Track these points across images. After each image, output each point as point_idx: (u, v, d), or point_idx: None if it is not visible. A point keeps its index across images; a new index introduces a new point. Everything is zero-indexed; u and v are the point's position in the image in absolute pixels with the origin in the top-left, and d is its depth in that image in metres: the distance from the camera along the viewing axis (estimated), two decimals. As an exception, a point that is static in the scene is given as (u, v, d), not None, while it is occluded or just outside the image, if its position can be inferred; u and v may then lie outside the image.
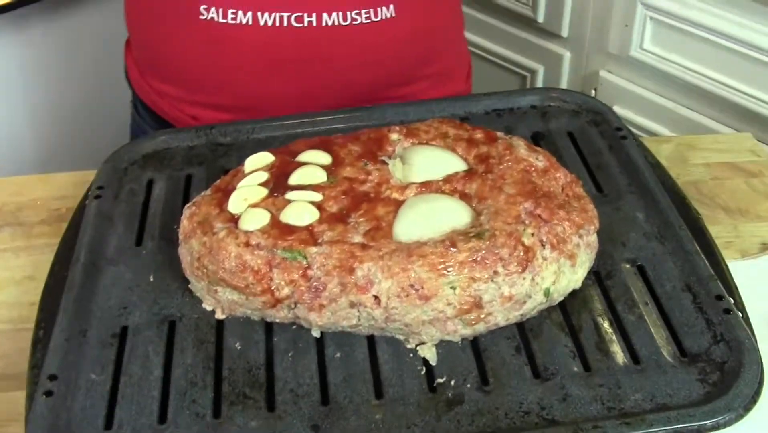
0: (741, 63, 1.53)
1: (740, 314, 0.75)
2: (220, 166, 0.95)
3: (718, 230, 0.94)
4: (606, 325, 0.75)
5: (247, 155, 0.86)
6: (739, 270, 0.87)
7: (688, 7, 1.56)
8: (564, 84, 1.85)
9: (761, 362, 0.71)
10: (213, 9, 1.04)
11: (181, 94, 1.15)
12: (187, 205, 0.82)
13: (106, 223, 0.88)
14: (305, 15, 1.04)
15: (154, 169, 0.96)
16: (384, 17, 1.07)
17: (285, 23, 1.04)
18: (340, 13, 1.05)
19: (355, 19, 1.06)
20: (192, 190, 0.92)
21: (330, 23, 1.05)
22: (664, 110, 1.68)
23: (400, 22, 1.07)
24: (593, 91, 1.79)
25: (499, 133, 0.87)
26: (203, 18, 1.05)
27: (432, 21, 1.14)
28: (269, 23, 1.04)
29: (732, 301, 0.76)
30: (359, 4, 1.06)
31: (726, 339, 0.73)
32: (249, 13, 1.03)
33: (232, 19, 1.04)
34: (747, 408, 0.67)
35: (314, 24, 1.05)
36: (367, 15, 1.06)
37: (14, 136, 1.90)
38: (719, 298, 0.76)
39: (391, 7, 1.07)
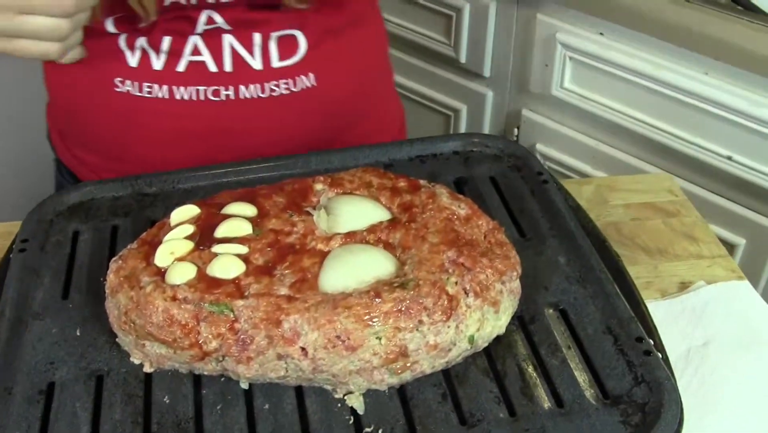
0: (658, 101, 1.58)
1: (660, 355, 0.77)
2: (146, 217, 0.95)
3: (638, 271, 0.96)
4: (530, 369, 0.77)
5: (174, 205, 0.87)
6: (659, 309, 0.90)
7: (605, 48, 1.61)
8: (487, 123, 1.88)
9: (680, 402, 0.73)
10: (128, 82, 1.05)
11: (97, 161, 1.15)
12: (114, 258, 0.82)
13: (31, 276, 0.88)
14: (222, 88, 1.04)
15: (79, 220, 0.95)
16: (304, 87, 1.07)
17: (202, 97, 1.04)
18: (258, 86, 1.06)
19: (274, 91, 1.06)
20: (118, 241, 0.92)
21: (248, 96, 1.06)
22: (585, 148, 1.72)
23: (322, 90, 1.08)
24: (516, 130, 1.82)
25: (422, 182, 0.89)
26: (118, 90, 1.05)
27: (357, 85, 1.14)
28: (185, 97, 1.04)
29: (652, 342, 0.78)
30: (278, 74, 1.06)
31: (646, 380, 0.75)
32: (165, 87, 1.03)
33: (148, 92, 1.05)
34: (667, 448, 0.69)
35: (231, 97, 1.05)
36: (287, 85, 1.06)
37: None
38: (639, 340, 0.78)
39: (311, 75, 1.07)
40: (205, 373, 0.77)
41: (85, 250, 0.91)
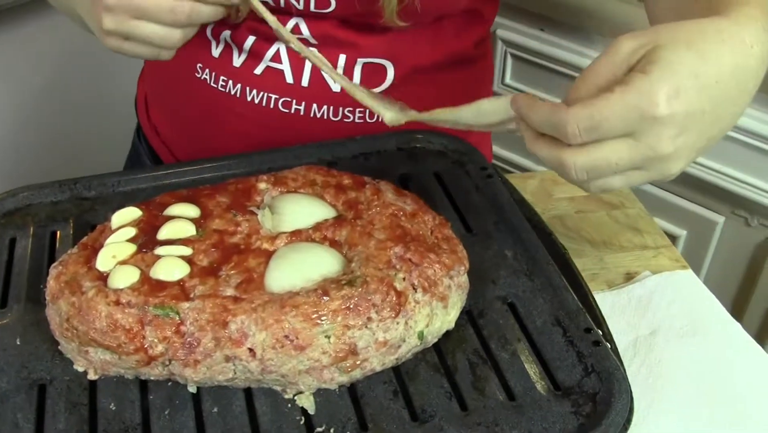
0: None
1: (609, 345, 0.78)
2: (85, 222, 0.93)
3: (584, 263, 0.97)
4: (480, 363, 0.77)
5: (114, 209, 0.85)
6: (606, 301, 0.91)
7: (546, 44, 1.61)
8: (430, 121, 1.88)
9: (630, 391, 0.73)
10: (207, 71, 1.05)
11: (171, 136, 1.17)
12: (54, 264, 0.80)
13: (-33, 286, 0.85)
14: (294, 101, 1.03)
15: (16, 227, 0.93)
16: (381, 119, 1.06)
17: (272, 105, 1.04)
18: (332, 108, 1.05)
19: (347, 117, 1.05)
20: (58, 247, 0.90)
21: (319, 116, 1.05)
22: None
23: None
24: (460, 127, 1.82)
25: (367, 178, 0.88)
26: (198, 76, 1.06)
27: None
28: (256, 101, 1.04)
29: (600, 333, 0.79)
30: (354, 102, 1.05)
31: (596, 370, 0.75)
32: (239, 85, 1.03)
33: (222, 86, 1.05)
34: (620, 436, 0.70)
35: (302, 113, 1.05)
36: (362, 115, 1.06)
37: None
38: (588, 330, 0.78)
39: None
40: (152, 378, 0.75)
41: (23, 257, 0.89)
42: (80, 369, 0.77)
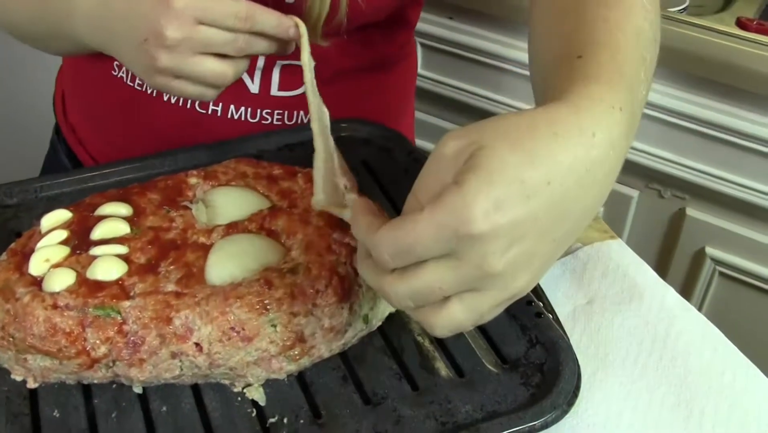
0: (508, 80, 1.61)
1: (551, 316, 0.79)
2: (9, 230, 0.90)
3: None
4: (426, 343, 0.77)
5: (39, 216, 0.82)
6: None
7: (455, 31, 1.63)
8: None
9: (576, 359, 0.74)
10: (123, 68, 1.04)
11: (87, 135, 1.15)
12: (-18, 273, 0.78)
13: None
14: (210, 102, 1.02)
15: (-66, 239, 0.90)
16: (300, 122, 1.05)
17: (188, 105, 1.03)
18: (249, 109, 1.04)
19: (266, 119, 1.04)
20: (-18, 257, 0.88)
21: (236, 117, 1.04)
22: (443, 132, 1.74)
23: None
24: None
25: (298, 168, 0.87)
26: (114, 74, 1.04)
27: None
28: (172, 100, 1.03)
29: (541, 304, 0.80)
30: (274, 103, 1.04)
31: (541, 342, 0.76)
32: None
33: (139, 85, 1.03)
34: (570, 403, 0.71)
35: (218, 114, 1.03)
36: (280, 117, 1.05)
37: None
38: (529, 303, 0.79)
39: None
40: (95, 381, 0.74)
41: (-53, 269, 0.86)
42: (18, 378, 0.74)
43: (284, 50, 0.86)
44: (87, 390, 0.74)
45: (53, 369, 0.73)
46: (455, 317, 0.59)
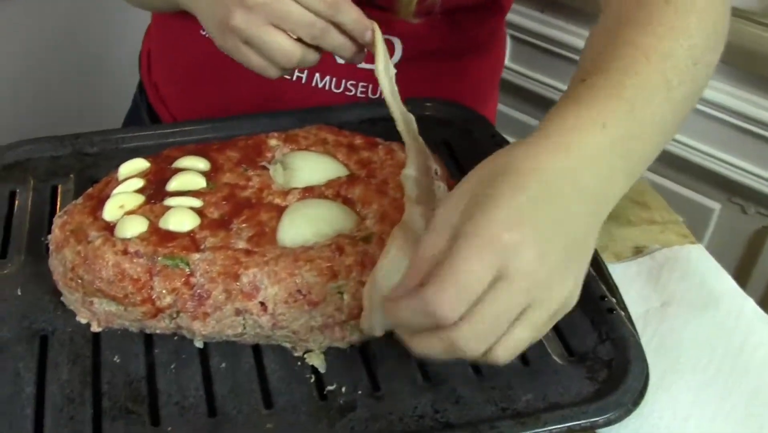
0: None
1: (623, 313, 0.77)
2: (88, 177, 0.90)
3: (592, 235, 0.95)
4: (495, 326, 0.75)
5: (117, 166, 0.83)
6: (616, 272, 0.89)
7: (546, 26, 1.60)
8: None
9: (645, 358, 0.72)
10: None
11: (171, 92, 1.15)
12: (58, 214, 0.78)
13: (-34, 237, 0.83)
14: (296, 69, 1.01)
15: (16, 181, 0.91)
16: (382, 96, 1.04)
17: None
18: (335, 79, 1.03)
19: (349, 90, 1.04)
20: (60, 201, 0.88)
21: (320, 85, 1.03)
22: (530, 128, 1.72)
23: None
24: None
25: (379, 140, 0.86)
26: (203, 34, 1.02)
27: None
28: None
29: (614, 300, 0.77)
30: (359, 75, 1.03)
31: (611, 338, 0.74)
32: None
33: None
34: (636, 403, 0.68)
35: (303, 81, 1.03)
36: (364, 90, 1.04)
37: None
38: (602, 298, 0.77)
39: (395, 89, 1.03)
40: (158, 332, 0.73)
41: (24, 209, 0.87)
42: (83, 321, 0.75)
43: (354, 57, 0.84)
44: (149, 340, 0.74)
45: (118, 315, 0.73)
46: (520, 339, 0.59)
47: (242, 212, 0.75)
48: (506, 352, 0.60)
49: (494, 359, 0.60)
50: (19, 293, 0.77)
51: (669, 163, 1.57)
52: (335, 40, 0.81)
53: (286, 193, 0.78)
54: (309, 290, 0.70)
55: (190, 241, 0.72)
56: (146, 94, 1.19)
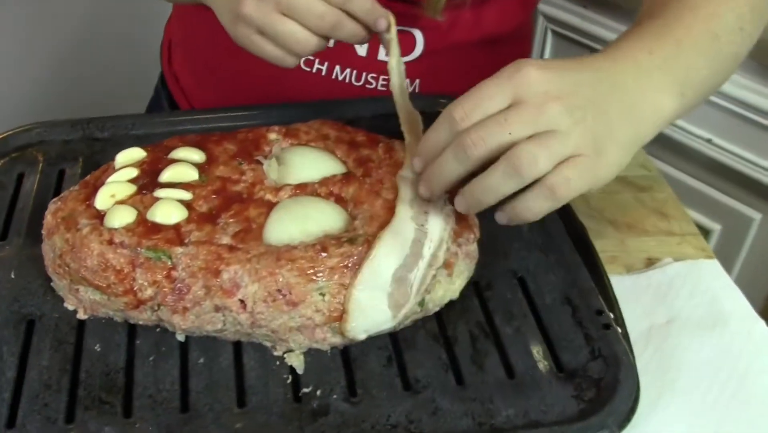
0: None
1: (619, 330, 0.74)
2: (95, 163, 0.90)
3: (604, 244, 0.93)
4: (482, 337, 0.74)
5: (122, 152, 0.83)
6: (623, 284, 0.87)
7: (588, 21, 1.57)
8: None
9: (637, 379, 0.70)
10: None
11: (191, 83, 1.14)
12: (53, 200, 0.78)
13: (-31, 216, 0.84)
14: (316, 60, 1.00)
15: (26, 163, 0.91)
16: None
17: None
18: (355, 72, 1.02)
19: (370, 83, 1.03)
20: (64, 186, 0.88)
21: (340, 78, 1.02)
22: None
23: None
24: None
25: (381, 137, 0.85)
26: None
27: None
28: None
29: (612, 316, 0.75)
30: (379, 68, 1.02)
31: (603, 355, 0.72)
32: None
33: None
34: (621, 426, 0.66)
35: (323, 73, 1.02)
36: (384, 83, 1.03)
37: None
38: (599, 312, 0.75)
39: (417, 82, 1.03)
40: (141, 323, 0.73)
41: (29, 192, 0.87)
42: (70, 308, 0.75)
43: (364, 41, 0.83)
44: (132, 330, 0.74)
45: (102, 304, 0.73)
46: (570, 179, 0.65)
47: (231, 207, 0.75)
48: (562, 188, 0.65)
49: (550, 193, 0.65)
50: (13, 276, 0.78)
51: (710, 169, 1.52)
52: (348, 30, 0.80)
53: (278, 189, 0.77)
54: (289, 290, 0.69)
55: (175, 234, 0.72)
56: (167, 84, 1.19)
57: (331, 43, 0.96)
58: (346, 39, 0.80)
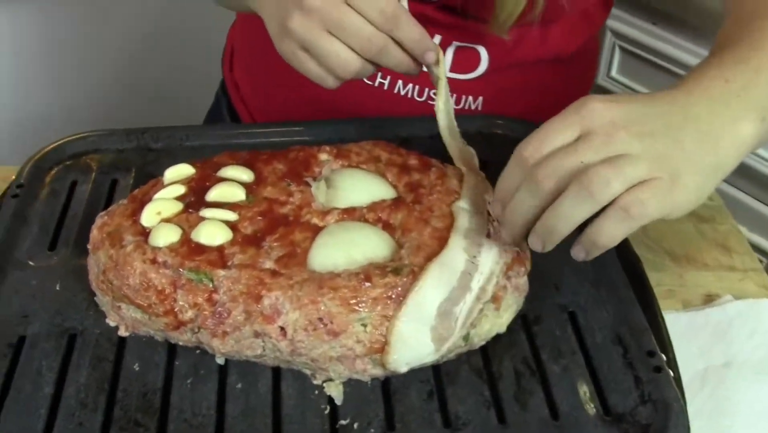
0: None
1: (671, 373, 0.71)
2: (148, 173, 0.90)
3: (661, 277, 0.90)
4: (528, 374, 0.71)
5: (178, 163, 0.82)
6: (679, 322, 0.84)
7: (657, 39, 1.53)
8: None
9: (688, 426, 0.67)
10: None
11: (249, 92, 1.14)
12: (101, 213, 0.78)
13: (20, 224, 0.84)
14: (379, 74, 0.99)
15: (80, 171, 0.91)
16: (468, 107, 1.02)
17: None
18: (417, 87, 1.01)
19: (432, 99, 1.01)
20: (116, 196, 0.88)
21: (402, 93, 1.01)
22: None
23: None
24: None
25: (435, 161, 0.83)
26: None
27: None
28: None
29: (664, 358, 0.72)
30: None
31: (653, 399, 0.69)
32: None
33: None
34: (668, 476, 0.64)
35: (385, 87, 1.01)
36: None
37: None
38: (651, 354, 0.72)
39: (480, 99, 1.01)
40: (181, 343, 0.72)
41: (80, 202, 0.88)
42: (112, 324, 0.74)
43: (411, 71, 0.81)
44: (172, 350, 0.73)
45: (143, 322, 0.72)
46: (638, 198, 0.63)
47: (276, 230, 0.74)
48: (636, 208, 0.63)
49: (625, 212, 0.63)
50: (58, 288, 0.77)
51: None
52: (394, 58, 0.78)
53: (325, 213, 0.76)
54: (331, 319, 0.67)
55: (218, 256, 0.71)
56: (228, 92, 1.18)
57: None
58: (392, 67, 0.79)
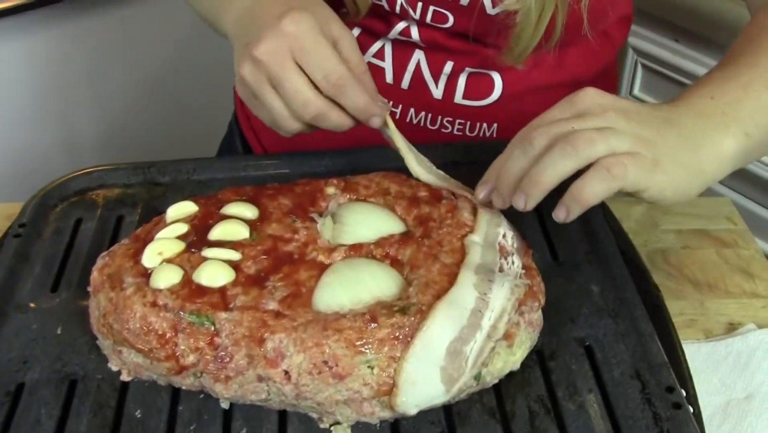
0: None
1: (691, 409, 0.69)
2: (153, 208, 0.89)
3: (682, 306, 0.87)
4: (542, 413, 0.69)
5: (185, 197, 0.81)
6: (701, 352, 0.82)
7: (679, 56, 1.51)
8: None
9: (708, 467, 0.64)
10: None
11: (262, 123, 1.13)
12: (102, 254, 0.76)
13: (22, 264, 0.83)
14: (390, 103, 0.98)
15: (84, 208, 0.90)
16: (482, 135, 1.01)
17: None
18: (430, 115, 1.00)
19: (446, 127, 1.00)
20: (121, 233, 0.87)
21: (415, 122, 1.00)
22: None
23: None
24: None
25: (445, 192, 0.81)
26: None
27: None
28: None
29: (684, 393, 0.70)
30: (457, 111, 0.99)
31: (672, 438, 0.66)
32: None
33: None
34: None
35: (398, 116, 1.00)
36: (461, 127, 1.00)
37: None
38: (670, 390, 0.69)
39: (495, 126, 1.00)
40: (184, 387, 0.70)
41: (85, 240, 0.86)
42: (114, 368, 0.72)
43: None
44: (176, 394, 0.71)
45: (145, 367, 0.70)
46: (620, 161, 0.67)
47: (281, 269, 0.71)
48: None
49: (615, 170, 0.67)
50: (59, 332, 0.76)
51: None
52: (330, 124, 0.79)
53: (331, 249, 0.74)
54: (336, 362, 0.65)
55: (220, 297, 0.69)
56: (239, 123, 1.17)
57: (405, 85, 0.94)
58: (331, 129, 0.79)
